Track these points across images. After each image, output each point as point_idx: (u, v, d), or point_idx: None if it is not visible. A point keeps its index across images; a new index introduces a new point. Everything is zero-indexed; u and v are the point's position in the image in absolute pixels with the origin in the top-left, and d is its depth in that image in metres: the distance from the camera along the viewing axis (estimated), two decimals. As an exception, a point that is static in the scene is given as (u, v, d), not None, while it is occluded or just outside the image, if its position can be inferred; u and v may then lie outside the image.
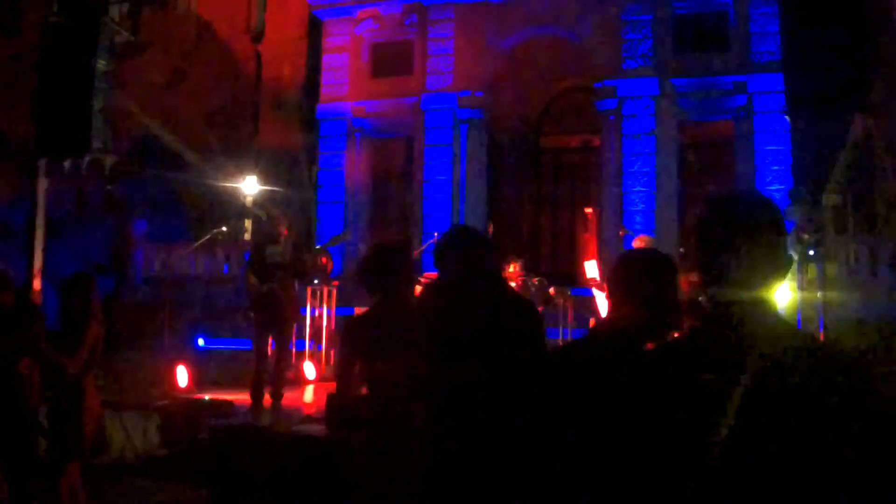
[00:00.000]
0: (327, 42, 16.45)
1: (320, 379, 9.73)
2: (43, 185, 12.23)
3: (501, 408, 2.56)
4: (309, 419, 6.66)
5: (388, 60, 16.03)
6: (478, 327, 2.82)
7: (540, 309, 4.46)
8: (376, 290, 3.41)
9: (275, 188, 14.94)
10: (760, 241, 1.51)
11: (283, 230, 7.40)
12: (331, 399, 3.59)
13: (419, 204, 15.20)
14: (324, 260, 9.04)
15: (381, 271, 3.34)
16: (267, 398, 7.22)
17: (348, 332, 3.60)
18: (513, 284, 7.83)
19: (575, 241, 16.33)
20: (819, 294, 8.99)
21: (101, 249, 15.39)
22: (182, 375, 8.52)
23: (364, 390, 3.37)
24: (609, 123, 14.68)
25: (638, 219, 13.71)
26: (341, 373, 3.54)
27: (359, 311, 10.08)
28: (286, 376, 7.71)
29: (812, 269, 10.34)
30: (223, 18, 18.83)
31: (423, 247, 10.96)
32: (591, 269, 7.50)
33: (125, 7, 17.21)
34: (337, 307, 10.49)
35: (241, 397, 7.40)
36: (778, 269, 1.52)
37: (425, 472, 2.91)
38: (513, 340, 2.85)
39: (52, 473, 4.53)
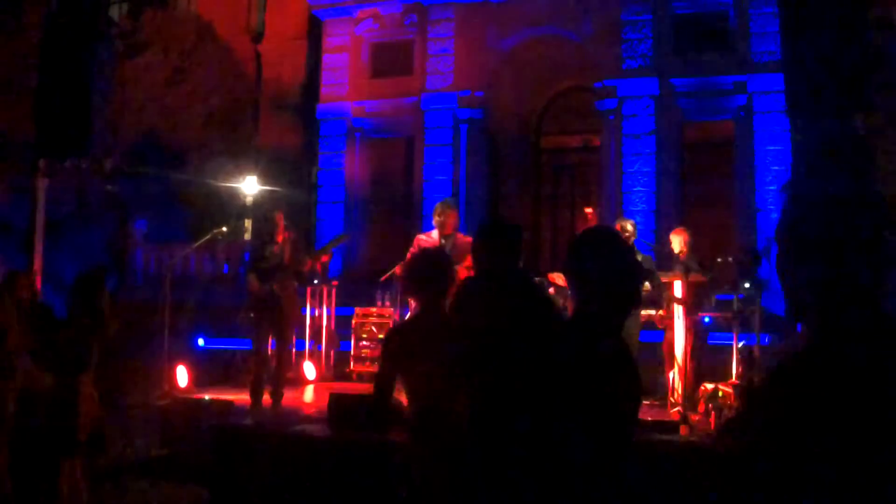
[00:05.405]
0: (327, 42, 16.44)
1: (320, 379, 9.73)
2: (43, 185, 12.19)
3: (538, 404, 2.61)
4: (309, 419, 6.65)
5: (388, 60, 16.02)
6: (511, 323, 2.87)
7: None
8: (418, 295, 3.48)
9: (275, 188, 14.95)
10: None
11: (281, 231, 7.40)
12: (334, 399, 3.61)
13: (419, 204, 15.20)
14: (325, 258, 9.03)
15: (424, 278, 3.40)
16: (267, 398, 7.22)
17: (390, 341, 3.64)
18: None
19: (575, 242, 16.29)
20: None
21: (101, 249, 15.37)
22: (182, 375, 8.52)
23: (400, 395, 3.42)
24: (609, 123, 14.66)
25: (638, 219, 13.67)
26: (381, 383, 3.48)
27: (359, 310, 10.04)
28: (286, 376, 7.72)
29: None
30: (223, 18, 18.82)
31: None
32: (592, 269, 7.48)
33: (125, 7, 17.21)
34: (337, 307, 10.49)
35: (241, 397, 7.40)
36: None
37: (471, 463, 2.95)
38: (541, 333, 2.90)
39: (50, 472, 4.54)
